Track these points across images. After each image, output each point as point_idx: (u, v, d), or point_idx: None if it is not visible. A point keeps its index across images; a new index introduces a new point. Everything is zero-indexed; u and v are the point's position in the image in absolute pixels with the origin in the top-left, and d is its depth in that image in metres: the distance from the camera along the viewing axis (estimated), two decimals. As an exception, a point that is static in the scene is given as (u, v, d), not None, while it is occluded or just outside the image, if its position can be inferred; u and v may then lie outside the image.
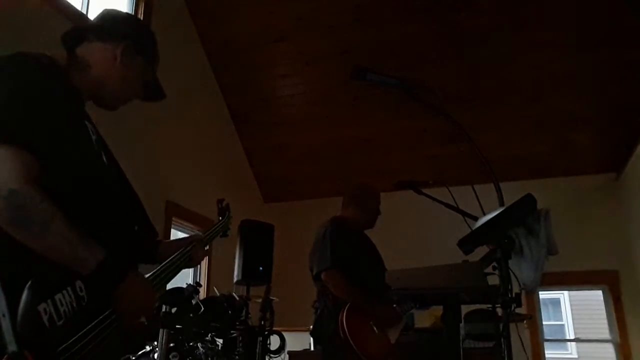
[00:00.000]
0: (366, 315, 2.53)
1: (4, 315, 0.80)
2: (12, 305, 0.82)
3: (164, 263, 1.29)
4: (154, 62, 1.40)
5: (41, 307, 0.86)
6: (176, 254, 1.35)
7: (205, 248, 1.55)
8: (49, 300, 0.88)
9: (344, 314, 2.46)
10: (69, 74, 1.20)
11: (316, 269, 2.68)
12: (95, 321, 0.97)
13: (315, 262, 2.71)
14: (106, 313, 1.00)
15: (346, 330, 2.42)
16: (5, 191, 0.92)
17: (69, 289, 0.94)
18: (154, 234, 1.40)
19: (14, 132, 0.98)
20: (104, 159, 1.24)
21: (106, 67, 1.25)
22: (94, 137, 1.19)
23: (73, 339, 0.91)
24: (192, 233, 1.57)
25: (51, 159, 1.01)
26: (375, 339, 2.50)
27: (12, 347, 0.79)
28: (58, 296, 0.91)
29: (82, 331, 0.93)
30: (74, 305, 0.94)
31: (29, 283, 0.85)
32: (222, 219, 1.77)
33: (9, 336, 0.80)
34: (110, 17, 1.32)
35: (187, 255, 1.41)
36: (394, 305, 2.54)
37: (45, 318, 0.87)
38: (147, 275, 1.20)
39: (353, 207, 2.95)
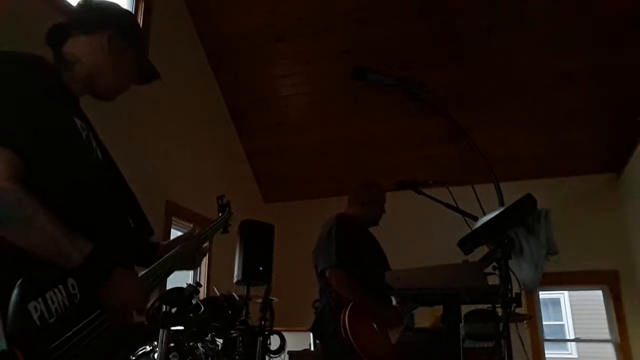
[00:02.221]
0: (368, 315, 2.52)
1: None
2: (3, 303, 0.82)
3: (158, 261, 1.28)
4: (142, 45, 1.40)
5: (31, 306, 0.86)
6: (172, 251, 1.35)
7: (205, 245, 1.55)
8: (39, 299, 0.88)
9: (346, 313, 2.46)
10: (59, 72, 1.19)
11: (320, 267, 2.68)
12: (88, 319, 0.97)
13: (319, 259, 2.71)
14: (99, 311, 0.99)
15: (347, 329, 2.42)
16: None
17: (60, 286, 0.94)
18: (150, 230, 1.39)
19: None
20: (98, 155, 1.24)
21: (96, 58, 1.25)
22: (84, 134, 1.18)
23: (65, 336, 0.91)
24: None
25: (38, 157, 1.01)
26: (376, 339, 2.50)
27: (1, 345, 0.79)
28: (49, 294, 0.91)
29: (75, 329, 0.93)
30: (66, 303, 0.94)
31: (19, 281, 0.85)
32: (221, 215, 1.77)
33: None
34: (89, 8, 1.31)
35: (188, 255, 1.40)
36: (395, 305, 2.53)
37: (36, 316, 0.86)
38: (140, 274, 1.19)
39: (358, 204, 2.95)
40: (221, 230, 1.75)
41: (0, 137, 0.97)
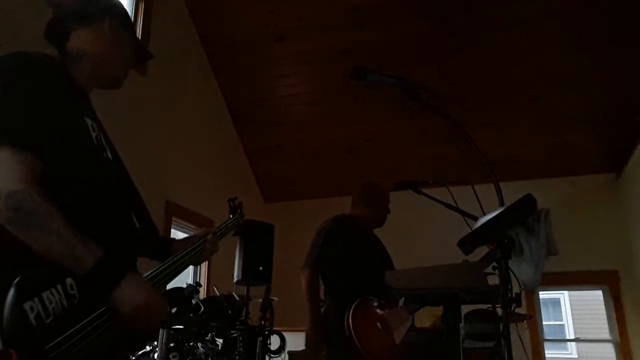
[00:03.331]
0: (372, 315, 2.52)
1: None
2: (0, 303, 0.82)
3: (169, 259, 1.28)
4: (132, 27, 1.42)
5: (27, 305, 0.86)
6: (183, 250, 1.36)
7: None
8: (35, 298, 0.88)
9: (350, 312, 2.46)
10: (68, 69, 1.20)
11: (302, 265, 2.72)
12: (87, 319, 0.96)
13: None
14: (98, 312, 0.99)
15: (351, 329, 2.42)
16: (5, 192, 0.93)
17: (58, 286, 0.93)
18: (156, 232, 1.40)
19: (13, 132, 0.98)
20: (109, 155, 1.24)
21: (100, 48, 1.26)
22: (94, 134, 1.18)
23: (62, 336, 0.90)
24: (192, 233, 1.57)
25: (51, 158, 1.01)
26: (380, 339, 2.49)
27: None
28: (46, 294, 0.90)
29: (72, 329, 0.93)
30: (64, 302, 0.93)
31: (15, 281, 0.84)
32: (232, 217, 1.77)
33: None
34: None
35: (199, 250, 1.41)
36: (400, 306, 2.53)
37: (32, 316, 0.86)
38: (146, 274, 1.19)
39: (362, 205, 2.95)
40: (233, 232, 1.75)
41: (17, 139, 0.97)
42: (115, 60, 1.30)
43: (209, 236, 1.48)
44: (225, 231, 1.66)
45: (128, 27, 1.36)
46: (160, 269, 1.24)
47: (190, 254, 1.37)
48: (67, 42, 1.24)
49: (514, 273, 1.45)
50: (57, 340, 0.89)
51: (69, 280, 0.96)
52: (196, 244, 1.42)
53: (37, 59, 1.11)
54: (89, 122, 1.17)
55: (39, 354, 0.86)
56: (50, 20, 1.26)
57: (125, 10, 1.40)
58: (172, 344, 2.34)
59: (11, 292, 0.83)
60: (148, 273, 1.21)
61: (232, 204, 1.83)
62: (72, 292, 0.96)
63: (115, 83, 1.34)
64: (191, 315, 2.56)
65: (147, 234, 1.34)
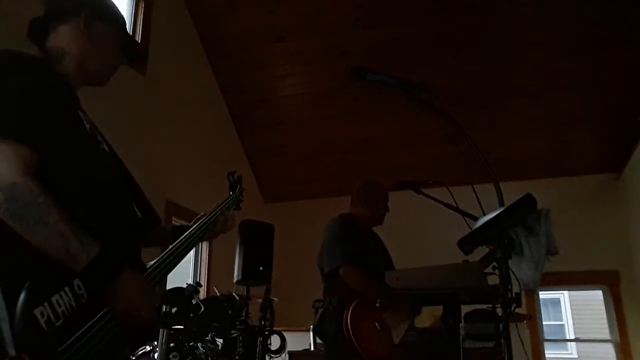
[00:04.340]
0: (371, 315, 2.53)
1: (4, 319, 0.81)
2: (11, 308, 0.83)
3: (176, 242, 1.28)
4: (120, 21, 1.38)
5: (37, 311, 0.87)
6: (192, 228, 1.36)
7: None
8: (45, 303, 0.89)
9: (349, 313, 2.46)
10: (52, 66, 1.20)
11: (330, 267, 2.67)
12: (95, 318, 0.97)
13: (326, 260, 2.71)
14: (105, 310, 1.00)
15: (350, 329, 2.42)
16: (4, 184, 0.93)
17: (66, 288, 0.94)
18: (157, 219, 1.39)
19: (10, 126, 0.99)
20: (105, 147, 1.24)
21: (78, 45, 1.24)
22: (87, 126, 1.18)
23: (73, 338, 0.91)
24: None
25: (49, 151, 1.01)
26: (379, 339, 2.50)
27: (11, 351, 0.80)
28: (55, 297, 0.91)
29: (82, 329, 0.93)
30: (73, 304, 0.94)
31: (25, 286, 0.85)
32: (232, 193, 1.75)
33: (8, 341, 0.80)
34: None
35: (208, 226, 1.41)
36: (399, 306, 2.53)
37: (42, 321, 0.87)
38: (151, 263, 1.19)
39: (362, 204, 2.96)
40: (233, 207, 1.72)
41: (14, 133, 0.98)
42: (96, 57, 1.26)
43: (204, 221, 1.45)
44: (226, 208, 1.62)
45: (109, 20, 1.31)
46: (171, 250, 1.24)
47: (194, 237, 1.35)
48: (46, 42, 1.22)
49: (514, 273, 1.45)
50: (68, 342, 0.90)
51: (76, 281, 0.97)
52: (205, 219, 1.41)
53: (26, 55, 1.12)
54: (82, 115, 1.18)
55: (51, 358, 0.87)
56: (32, 19, 1.25)
57: (105, 3, 1.35)
58: (172, 344, 2.33)
59: (22, 298, 0.84)
60: (156, 259, 1.21)
61: (231, 178, 1.77)
62: (80, 292, 0.97)
63: (100, 80, 1.31)
64: (191, 315, 2.56)
65: (150, 222, 1.34)
